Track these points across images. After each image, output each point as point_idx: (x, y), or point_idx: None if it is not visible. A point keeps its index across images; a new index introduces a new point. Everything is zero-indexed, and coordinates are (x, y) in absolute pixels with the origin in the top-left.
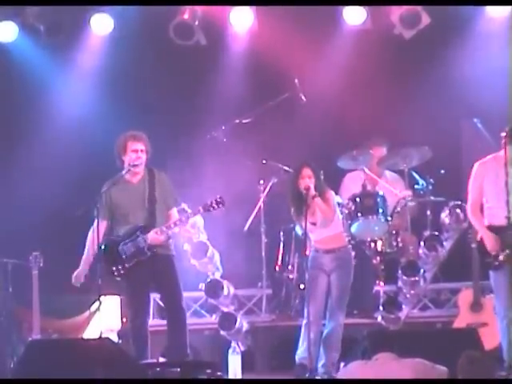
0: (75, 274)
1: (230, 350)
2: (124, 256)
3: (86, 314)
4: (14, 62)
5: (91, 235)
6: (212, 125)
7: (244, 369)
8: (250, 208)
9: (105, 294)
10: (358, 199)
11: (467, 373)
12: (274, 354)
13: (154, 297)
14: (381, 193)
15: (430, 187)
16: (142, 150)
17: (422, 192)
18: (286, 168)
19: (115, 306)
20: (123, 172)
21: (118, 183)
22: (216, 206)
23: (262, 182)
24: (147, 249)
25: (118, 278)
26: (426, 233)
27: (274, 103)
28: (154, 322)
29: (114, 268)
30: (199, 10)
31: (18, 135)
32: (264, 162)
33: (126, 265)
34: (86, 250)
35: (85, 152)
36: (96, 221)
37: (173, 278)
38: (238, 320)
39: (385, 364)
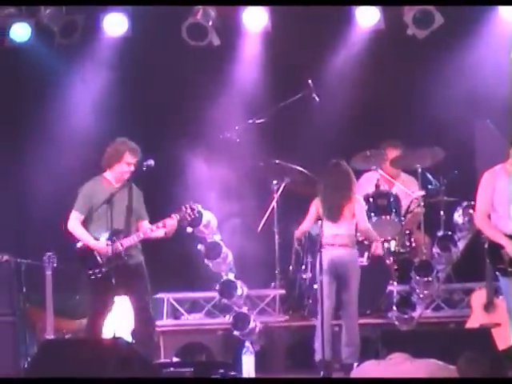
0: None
1: (244, 350)
2: (101, 260)
3: None
4: (28, 63)
5: (76, 227)
6: (225, 125)
7: (257, 369)
8: (263, 208)
9: (118, 295)
10: (371, 199)
11: (466, 373)
12: (288, 354)
13: (168, 297)
14: (394, 193)
15: (444, 187)
16: (134, 165)
17: (435, 192)
18: (299, 168)
19: (128, 306)
20: (105, 174)
21: (100, 185)
22: (191, 213)
23: (275, 182)
24: (124, 254)
25: (92, 277)
26: (440, 233)
27: (287, 103)
28: (168, 322)
29: (91, 272)
30: (212, 10)
31: (31, 135)
32: (277, 162)
33: (103, 269)
34: (83, 235)
35: (98, 152)
36: (76, 214)
37: (142, 283)
38: (252, 320)
39: (398, 364)
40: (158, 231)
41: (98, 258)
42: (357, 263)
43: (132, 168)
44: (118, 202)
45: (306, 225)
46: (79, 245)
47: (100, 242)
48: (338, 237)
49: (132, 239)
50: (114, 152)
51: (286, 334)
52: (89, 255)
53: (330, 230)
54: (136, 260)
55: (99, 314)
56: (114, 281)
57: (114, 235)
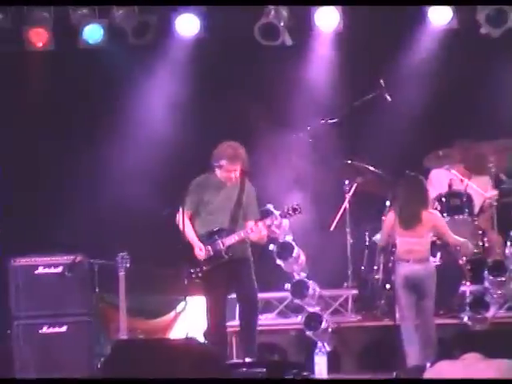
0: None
1: (316, 351)
2: (203, 258)
3: (173, 314)
4: (101, 64)
5: (186, 221)
6: (298, 125)
7: (330, 369)
8: (335, 208)
9: (191, 295)
10: (443, 199)
11: None
12: (361, 355)
13: None
14: (467, 192)
15: None
16: (236, 170)
17: (508, 192)
18: (372, 168)
19: (201, 306)
20: (216, 172)
21: (211, 181)
22: (292, 213)
23: (347, 182)
24: (224, 252)
25: (197, 280)
26: None
27: (359, 103)
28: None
29: (192, 270)
30: (284, 10)
31: (105, 135)
32: (349, 162)
33: (204, 267)
34: (188, 232)
35: (170, 153)
36: (182, 210)
37: (249, 282)
38: (324, 320)
39: (472, 364)
40: (254, 234)
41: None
42: (433, 276)
43: (235, 173)
44: (227, 200)
45: (384, 238)
46: (184, 242)
47: (199, 245)
48: (412, 253)
49: (233, 238)
50: (215, 157)
51: (359, 334)
52: (192, 254)
53: (404, 246)
54: (241, 256)
55: (212, 312)
56: (215, 279)
57: (217, 233)
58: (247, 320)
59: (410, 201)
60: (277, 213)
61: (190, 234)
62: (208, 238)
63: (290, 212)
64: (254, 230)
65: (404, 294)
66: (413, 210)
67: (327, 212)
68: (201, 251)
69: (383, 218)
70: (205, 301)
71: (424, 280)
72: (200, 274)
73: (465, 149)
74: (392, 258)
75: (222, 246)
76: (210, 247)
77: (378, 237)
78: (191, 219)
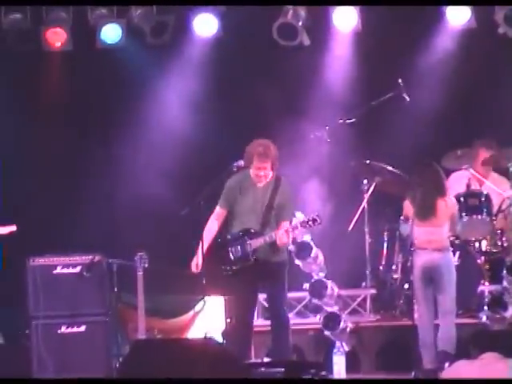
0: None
1: (335, 350)
2: (232, 257)
3: (191, 314)
4: (120, 64)
5: (210, 222)
6: (316, 124)
7: (348, 369)
8: (353, 208)
9: (209, 294)
10: (462, 199)
11: None
12: (379, 354)
13: (259, 297)
14: (485, 192)
15: None
16: (265, 168)
17: None
18: (390, 168)
19: (219, 306)
20: (251, 174)
21: (245, 180)
22: (312, 224)
23: (365, 182)
24: (251, 255)
25: (224, 273)
26: None
27: (377, 103)
28: (259, 322)
29: (223, 267)
30: (302, 10)
31: (122, 135)
32: (367, 162)
33: (234, 267)
34: (204, 238)
35: (188, 152)
36: (217, 208)
37: (277, 282)
38: (342, 320)
39: (490, 364)
40: (277, 239)
41: (231, 255)
42: (451, 267)
43: (265, 171)
44: (257, 202)
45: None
46: (219, 239)
47: (196, 261)
48: (431, 243)
49: (259, 242)
50: (247, 154)
51: (377, 334)
52: (224, 251)
53: (423, 236)
54: (269, 258)
55: (235, 311)
56: (241, 279)
57: (246, 234)
58: (273, 320)
59: (425, 190)
60: (297, 214)
61: (204, 236)
62: (238, 238)
63: (310, 223)
64: (276, 237)
65: (421, 286)
66: (429, 200)
67: (346, 212)
68: (195, 266)
69: (401, 218)
70: (230, 299)
71: (441, 270)
72: (230, 273)
73: (483, 149)
74: (411, 258)
75: (249, 248)
76: (239, 247)
77: (402, 227)
78: (225, 218)
